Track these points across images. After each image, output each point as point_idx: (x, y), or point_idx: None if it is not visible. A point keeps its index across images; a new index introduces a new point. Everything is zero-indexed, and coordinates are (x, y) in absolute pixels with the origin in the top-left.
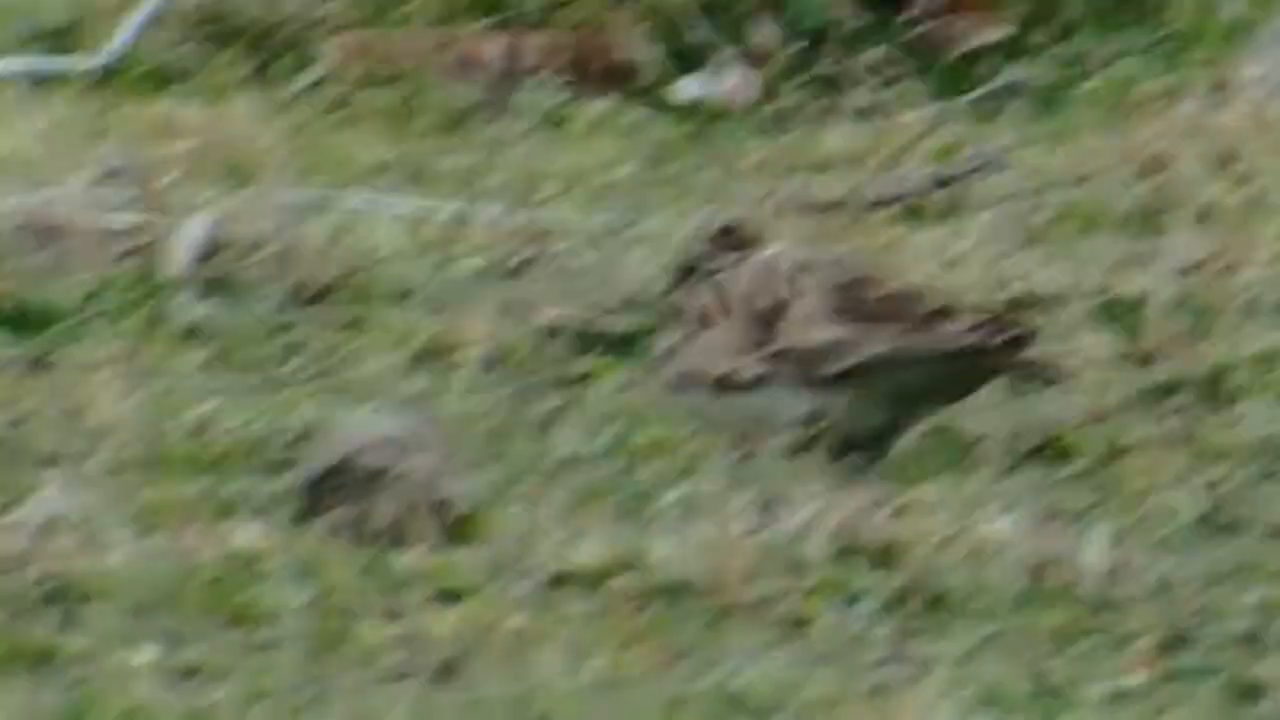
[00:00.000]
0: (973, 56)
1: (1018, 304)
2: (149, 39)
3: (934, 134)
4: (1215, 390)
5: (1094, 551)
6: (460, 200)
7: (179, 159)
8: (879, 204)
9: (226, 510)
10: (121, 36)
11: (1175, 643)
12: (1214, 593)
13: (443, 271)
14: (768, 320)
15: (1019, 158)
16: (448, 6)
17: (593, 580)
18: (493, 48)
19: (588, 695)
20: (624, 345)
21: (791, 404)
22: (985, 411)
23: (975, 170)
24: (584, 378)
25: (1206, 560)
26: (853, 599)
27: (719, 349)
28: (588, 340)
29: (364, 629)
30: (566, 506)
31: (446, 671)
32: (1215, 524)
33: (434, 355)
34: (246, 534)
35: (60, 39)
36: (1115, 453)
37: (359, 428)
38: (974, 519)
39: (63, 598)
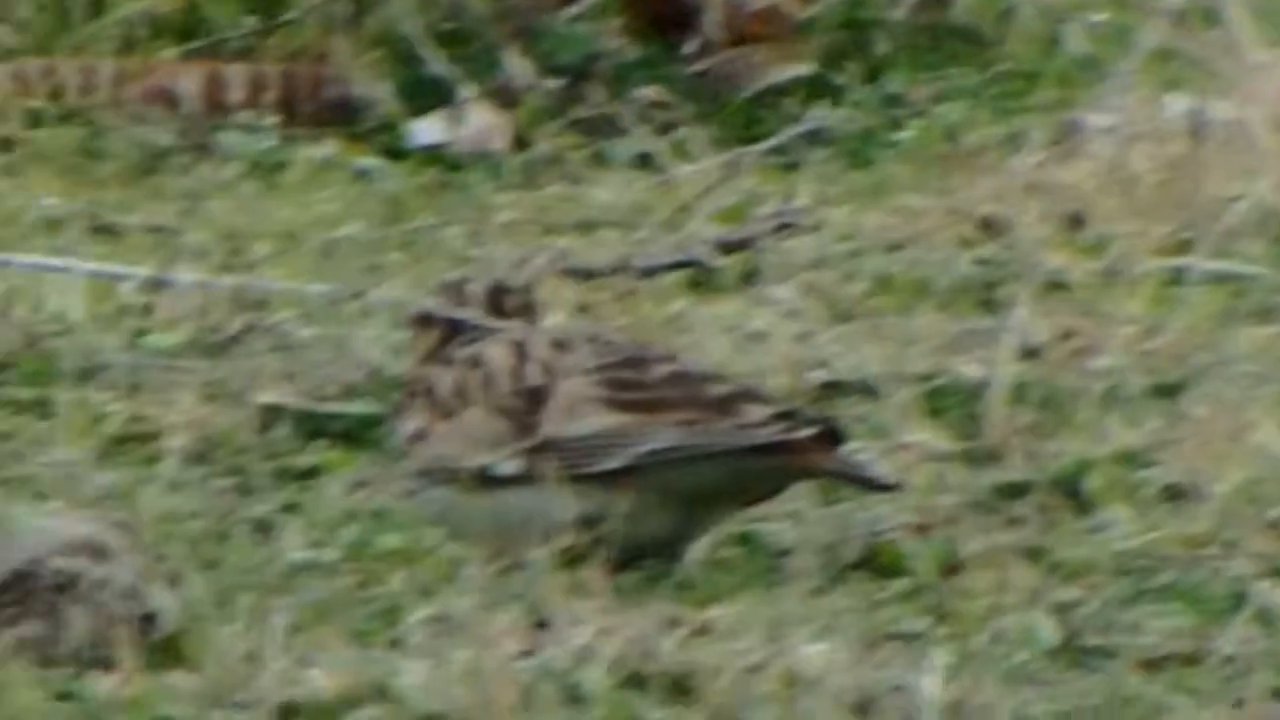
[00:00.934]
0: (768, 97)
1: (828, 390)
2: None
3: (722, 188)
4: (1069, 495)
5: (930, 683)
6: (155, 262)
7: None
8: (656, 271)
9: None
10: None
11: None
12: None
13: (138, 346)
14: (527, 406)
15: (825, 218)
16: (135, 31)
17: (328, 713)
18: (189, 81)
19: None
20: (358, 433)
21: (561, 505)
22: (796, 517)
23: (773, 232)
24: (311, 472)
25: (1066, 695)
26: None
27: (472, 438)
28: (314, 427)
29: None
30: (295, 625)
31: None
32: (1074, 652)
33: (130, 444)
34: None
35: None
36: (952, 567)
37: (43, 530)
38: (785, 643)
39: None
